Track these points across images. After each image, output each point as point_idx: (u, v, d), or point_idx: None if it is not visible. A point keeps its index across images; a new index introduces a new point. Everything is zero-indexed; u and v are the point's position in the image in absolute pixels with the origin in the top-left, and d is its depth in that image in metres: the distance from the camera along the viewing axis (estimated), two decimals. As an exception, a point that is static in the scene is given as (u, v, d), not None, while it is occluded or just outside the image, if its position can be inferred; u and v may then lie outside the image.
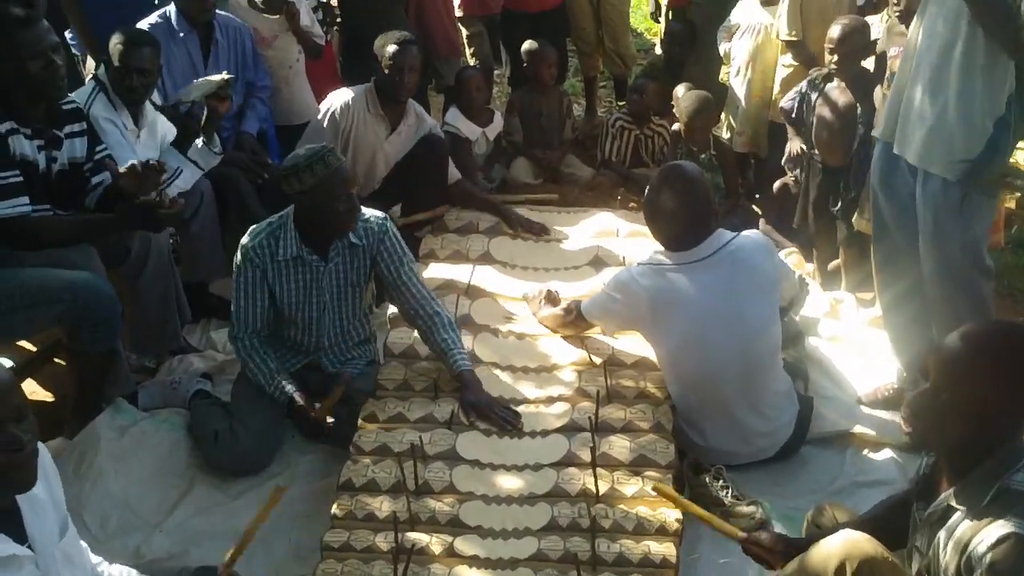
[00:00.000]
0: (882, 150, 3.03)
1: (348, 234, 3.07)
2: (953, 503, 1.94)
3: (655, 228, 3.07)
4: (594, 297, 3.19)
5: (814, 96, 3.99)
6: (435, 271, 3.72)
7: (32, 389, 3.49)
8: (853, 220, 3.83)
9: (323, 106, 4.14)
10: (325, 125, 4.05)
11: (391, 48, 3.98)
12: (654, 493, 2.66)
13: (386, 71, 4.02)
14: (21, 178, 3.01)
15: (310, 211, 3.03)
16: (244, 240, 3.11)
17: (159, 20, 4.06)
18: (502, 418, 2.98)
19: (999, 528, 1.82)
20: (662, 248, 3.05)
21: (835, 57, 3.84)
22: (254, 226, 3.14)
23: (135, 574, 2.23)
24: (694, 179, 3.04)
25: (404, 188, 4.19)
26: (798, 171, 4.19)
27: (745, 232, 3.08)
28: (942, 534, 1.95)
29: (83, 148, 3.25)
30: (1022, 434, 1.93)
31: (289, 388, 3.09)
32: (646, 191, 3.10)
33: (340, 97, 4.09)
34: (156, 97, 3.74)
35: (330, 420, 2.99)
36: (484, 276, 3.70)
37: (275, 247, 3.08)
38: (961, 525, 1.90)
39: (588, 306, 3.18)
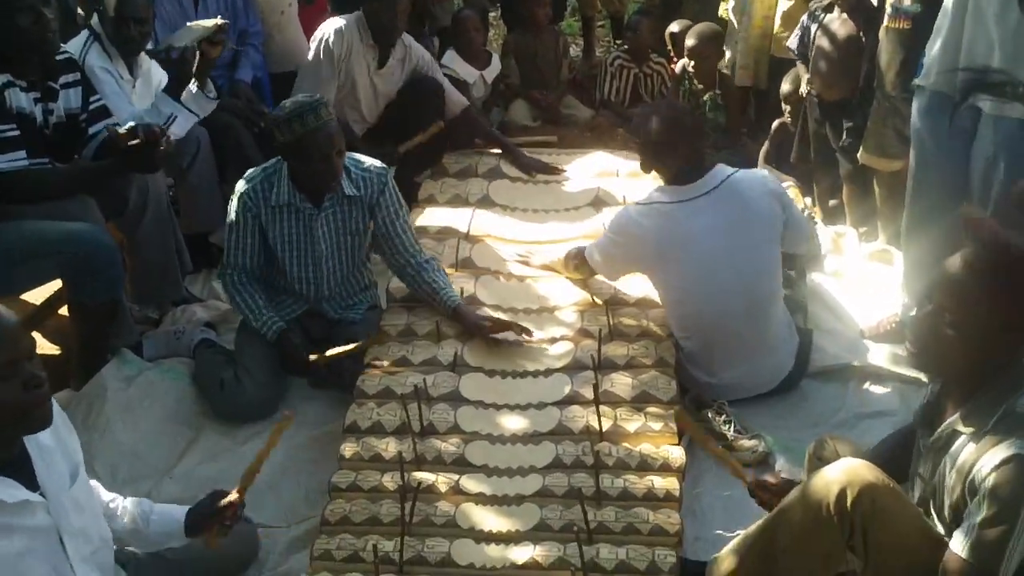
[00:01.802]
0: (931, 99, 2.93)
1: (339, 185, 3.05)
2: (959, 428, 1.95)
3: (654, 162, 3.04)
4: (596, 242, 3.18)
5: (814, 28, 3.92)
6: (435, 215, 3.71)
7: (36, 342, 3.49)
8: (858, 154, 3.79)
9: (316, 35, 4.10)
10: (321, 55, 4.00)
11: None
12: (657, 429, 2.69)
13: (376, 14, 3.99)
14: (18, 132, 3.00)
15: (294, 162, 3.03)
16: (239, 184, 3.12)
17: None
18: (512, 325, 3.03)
19: (1003, 450, 1.83)
20: (661, 186, 3.04)
21: None
22: (250, 170, 3.14)
23: (146, 503, 2.27)
24: (682, 110, 3.04)
25: (403, 128, 4.16)
26: (788, 108, 4.15)
27: (745, 170, 3.06)
28: (947, 459, 1.96)
29: (78, 99, 3.24)
30: None
31: (277, 324, 3.12)
32: (635, 129, 3.09)
33: (332, 24, 4.06)
34: (148, 45, 3.71)
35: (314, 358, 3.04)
36: (484, 219, 3.69)
37: (268, 192, 3.08)
38: (965, 449, 1.91)
39: (591, 251, 3.18)
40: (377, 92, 4.21)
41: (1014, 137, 2.73)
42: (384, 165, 3.21)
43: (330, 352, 3.09)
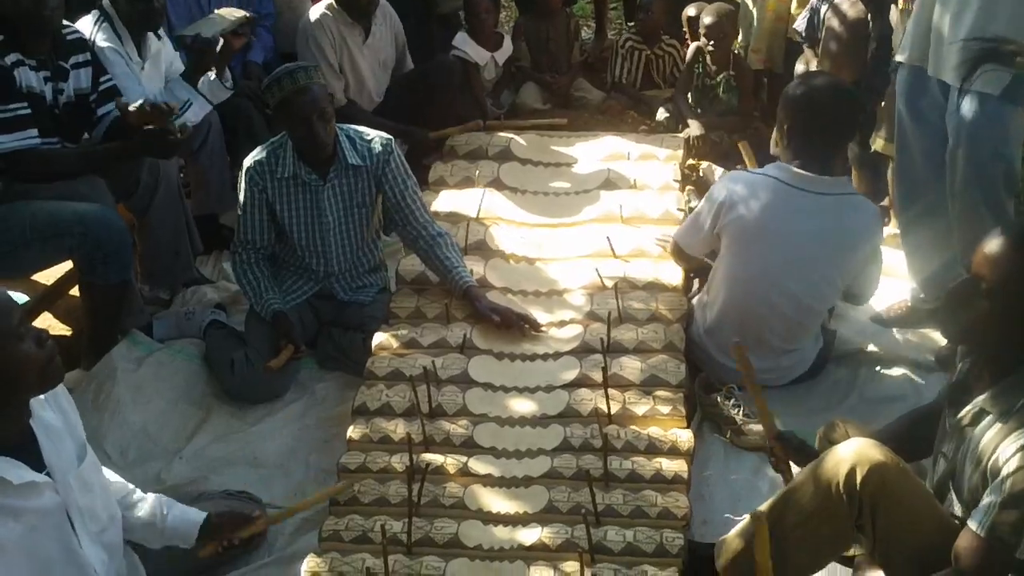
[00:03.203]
0: (909, 74, 2.95)
1: (328, 150, 3.05)
2: (986, 408, 1.94)
3: (798, 135, 2.86)
4: (684, 223, 3.11)
5: (823, 9, 3.89)
6: (445, 198, 3.70)
7: (48, 323, 3.52)
8: (871, 140, 3.76)
9: (300, 38, 4.13)
10: (317, 57, 4.02)
11: None
12: (665, 412, 2.68)
13: None
14: (29, 110, 3.01)
15: (284, 127, 3.07)
16: (246, 160, 3.14)
17: None
18: (523, 317, 3.02)
19: None
20: (782, 163, 2.90)
21: None
22: (259, 147, 3.15)
23: (163, 499, 2.27)
24: (856, 95, 2.93)
25: (417, 109, 4.18)
26: None
27: (865, 197, 2.98)
28: (971, 439, 1.96)
29: (88, 79, 3.24)
30: None
31: (274, 305, 3.14)
32: (799, 94, 2.88)
33: (308, 24, 4.09)
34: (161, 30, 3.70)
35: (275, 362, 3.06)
36: (494, 202, 3.68)
37: (274, 165, 3.10)
38: (991, 430, 1.91)
39: (680, 229, 3.12)
40: (377, 63, 4.25)
41: (974, 110, 2.75)
42: (388, 136, 3.21)
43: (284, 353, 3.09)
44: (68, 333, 3.52)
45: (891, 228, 3.84)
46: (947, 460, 2.06)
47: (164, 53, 3.65)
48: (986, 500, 1.87)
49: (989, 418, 1.93)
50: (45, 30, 3.06)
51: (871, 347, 3.18)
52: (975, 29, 2.71)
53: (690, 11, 4.70)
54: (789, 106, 2.90)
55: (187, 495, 2.58)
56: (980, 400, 1.97)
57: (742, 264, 2.92)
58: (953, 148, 2.85)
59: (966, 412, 1.99)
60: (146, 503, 2.23)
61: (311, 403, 3.15)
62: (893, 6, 3.60)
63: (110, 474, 2.22)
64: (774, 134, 3.07)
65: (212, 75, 3.56)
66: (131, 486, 2.26)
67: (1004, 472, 1.84)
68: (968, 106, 2.77)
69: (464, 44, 4.69)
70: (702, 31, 4.41)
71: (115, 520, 2.12)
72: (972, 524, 1.87)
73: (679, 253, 3.15)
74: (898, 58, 3.01)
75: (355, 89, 4.22)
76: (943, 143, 2.89)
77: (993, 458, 1.87)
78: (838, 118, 2.86)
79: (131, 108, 3.11)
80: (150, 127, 3.09)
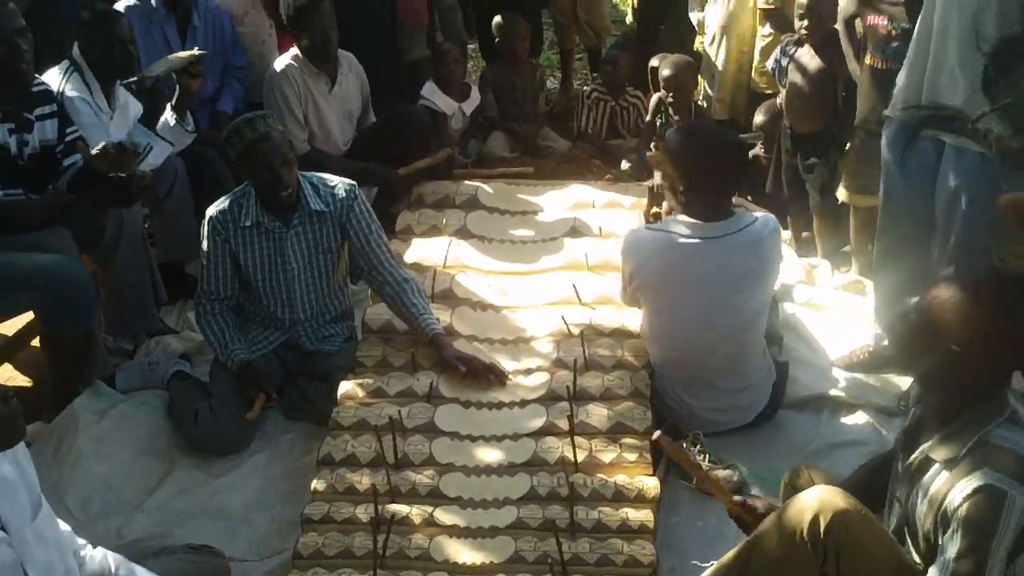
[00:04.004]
0: (898, 129, 2.95)
1: (292, 196, 3.06)
2: (933, 454, 1.96)
3: (686, 189, 2.92)
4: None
5: (784, 62, 3.99)
6: (412, 246, 3.72)
7: (9, 374, 3.48)
8: (839, 192, 3.79)
9: (266, 89, 4.15)
10: (281, 106, 4.06)
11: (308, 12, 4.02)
12: (632, 460, 2.69)
13: (310, 37, 4.05)
14: (-8, 162, 3.00)
15: (246, 176, 3.08)
16: (209, 210, 3.14)
17: (136, 2, 4.03)
18: (489, 368, 3.02)
19: (974, 480, 1.85)
20: (681, 216, 2.94)
21: (805, 22, 3.83)
22: (221, 197, 3.15)
23: (116, 557, 2.21)
24: (732, 137, 2.96)
25: (385, 158, 4.21)
26: (761, 142, 4.21)
27: (763, 217, 3.02)
28: (920, 486, 1.98)
29: (54, 130, 3.24)
30: (1006, 389, 1.96)
31: (240, 355, 3.13)
32: (677, 149, 2.96)
33: (274, 75, 4.12)
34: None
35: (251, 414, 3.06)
36: (461, 250, 3.70)
37: (237, 213, 3.10)
38: (938, 478, 1.93)
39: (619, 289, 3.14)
40: (343, 112, 4.28)
41: (975, 170, 2.76)
42: (352, 181, 3.22)
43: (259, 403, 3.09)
44: (29, 384, 3.48)
45: (852, 274, 3.91)
46: (901, 505, 2.08)
47: (132, 104, 3.66)
48: (941, 556, 1.88)
49: (936, 466, 1.96)
50: (17, 83, 3.06)
51: (833, 392, 3.22)
52: (930, 93, 2.77)
53: (654, 62, 4.80)
54: (673, 161, 2.96)
55: (149, 549, 2.53)
56: (926, 447, 1.99)
57: (666, 320, 2.99)
58: (949, 204, 2.84)
59: (914, 459, 2.02)
60: (95, 559, 2.17)
61: (276, 454, 3.12)
62: (855, 60, 3.66)
63: (63, 526, 2.17)
64: (666, 189, 3.11)
65: (172, 120, 3.56)
66: (81, 540, 2.20)
67: (954, 523, 1.86)
68: (966, 166, 2.77)
69: (432, 94, 4.75)
70: (661, 83, 4.50)
71: (71, 572, 2.08)
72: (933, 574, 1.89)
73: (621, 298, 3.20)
74: (887, 113, 3.04)
75: (321, 139, 4.23)
76: (929, 198, 2.89)
77: (942, 509, 1.89)
78: (721, 162, 2.92)
79: (93, 152, 3.11)
80: (114, 175, 3.07)
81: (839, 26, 3.69)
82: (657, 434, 2.49)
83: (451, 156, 4.24)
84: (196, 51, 3.60)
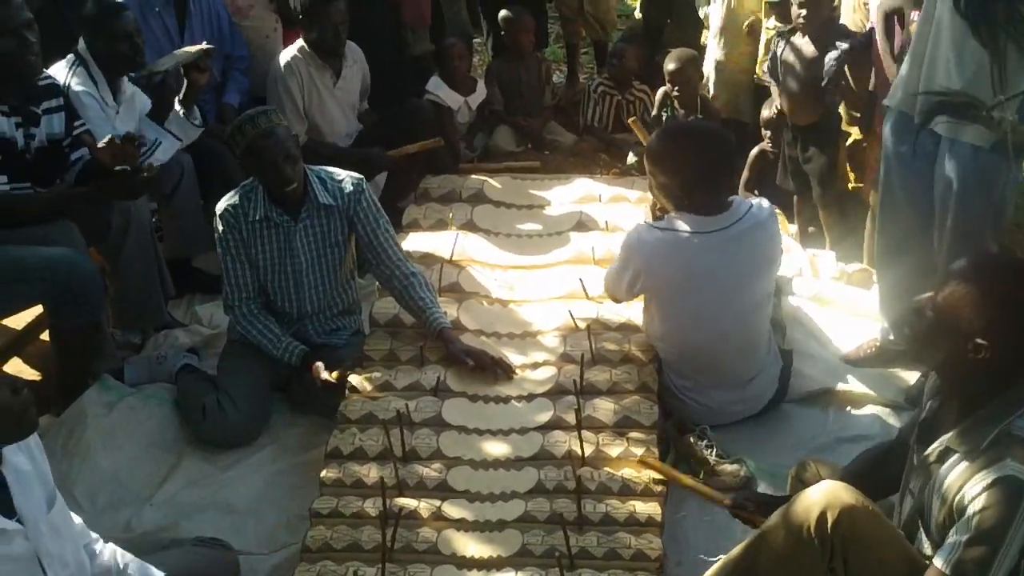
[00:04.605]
0: (897, 119, 2.96)
1: (298, 191, 3.07)
2: (952, 446, 1.96)
3: (684, 188, 2.91)
4: (609, 268, 3.13)
5: (780, 51, 3.94)
6: (419, 240, 3.72)
7: (17, 367, 3.49)
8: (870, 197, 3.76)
9: (270, 80, 4.15)
10: (283, 99, 4.06)
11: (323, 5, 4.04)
12: (638, 454, 2.69)
13: (320, 31, 4.06)
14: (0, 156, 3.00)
15: (252, 172, 3.09)
16: (219, 205, 3.14)
17: None
18: (497, 362, 3.02)
19: (992, 472, 1.85)
20: (681, 212, 2.93)
21: (803, 11, 3.79)
22: (230, 192, 3.16)
23: (125, 554, 2.21)
24: (725, 135, 2.97)
25: (389, 147, 4.21)
26: (768, 133, 4.19)
27: (757, 202, 3.02)
28: (937, 477, 1.98)
29: (61, 124, 3.24)
30: None
31: (299, 348, 3.13)
32: (670, 151, 2.95)
33: (278, 67, 4.13)
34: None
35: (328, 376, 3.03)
36: (468, 244, 3.70)
37: (247, 207, 3.10)
38: (957, 468, 1.93)
39: (607, 272, 3.12)
40: (346, 105, 4.29)
41: (966, 162, 2.77)
42: (359, 175, 3.22)
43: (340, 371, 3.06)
44: (38, 378, 3.49)
45: (857, 267, 3.90)
46: (914, 497, 2.08)
47: (138, 98, 3.66)
48: (952, 538, 1.88)
49: (955, 457, 1.95)
50: (25, 74, 3.06)
51: (840, 386, 3.22)
52: (927, 82, 2.77)
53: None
54: (663, 168, 2.94)
55: (158, 542, 2.55)
56: (946, 438, 1.99)
57: (674, 317, 2.99)
58: (944, 202, 2.87)
59: (933, 450, 2.02)
60: (105, 554, 2.18)
61: (284, 448, 3.13)
62: (891, 57, 3.57)
63: (75, 519, 2.18)
64: (652, 196, 3.11)
65: (180, 112, 3.56)
66: (93, 534, 2.21)
67: (970, 510, 1.86)
68: (959, 158, 2.79)
69: (438, 88, 4.74)
70: (666, 76, 4.49)
71: (83, 567, 2.09)
72: (938, 562, 1.89)
73: (610, 294, 3.17)
74: (886, 102, 3.04)
75: (326, 131, 4.23)
76: (929, 188, 2.90)
77: (959, 496, 1.89)
78: (709, 155, 2.91)
79: (99, 145, 3.12)
80: (120, 168, 3.08)
81: (876, 21, 3.53)
82: (641, 454, 2.55)
83: (441, 144, 4.23)
84: (204, 45, 3.60)
